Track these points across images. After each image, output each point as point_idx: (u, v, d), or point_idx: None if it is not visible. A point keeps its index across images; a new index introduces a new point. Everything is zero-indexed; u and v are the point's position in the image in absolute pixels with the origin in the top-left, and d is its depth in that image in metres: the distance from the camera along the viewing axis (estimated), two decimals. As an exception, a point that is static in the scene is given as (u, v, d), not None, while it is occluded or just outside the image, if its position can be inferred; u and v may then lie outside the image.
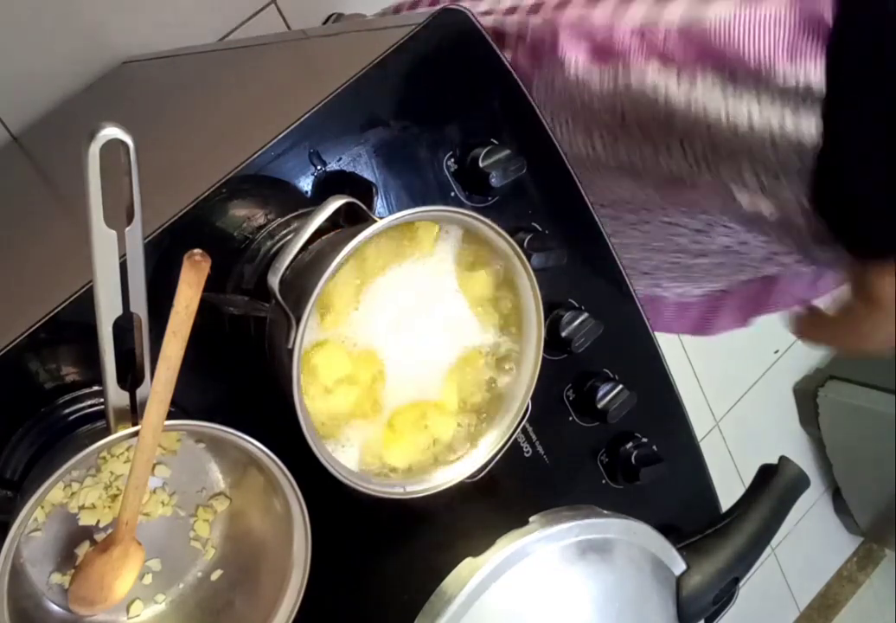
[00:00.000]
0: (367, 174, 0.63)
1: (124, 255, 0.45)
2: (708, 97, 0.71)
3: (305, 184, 0.61)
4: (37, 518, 0.54)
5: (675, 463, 0.80)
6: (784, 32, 0.67)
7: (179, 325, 0.45)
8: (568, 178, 0.72)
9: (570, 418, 0.75)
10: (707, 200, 0.78)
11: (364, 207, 0.55)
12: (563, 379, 0.74)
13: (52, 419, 0.54)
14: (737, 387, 2.21)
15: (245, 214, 0.60)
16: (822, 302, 0.87)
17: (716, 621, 0.77)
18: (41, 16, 1.14)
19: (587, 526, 0.61)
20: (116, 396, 0.48)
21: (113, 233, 0.43)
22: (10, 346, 0.52)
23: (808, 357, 2.31)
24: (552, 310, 0.71)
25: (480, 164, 0.64)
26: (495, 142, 0.66)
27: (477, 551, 0.59)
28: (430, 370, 0.61)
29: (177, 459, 0.58)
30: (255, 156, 0.58)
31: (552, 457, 0.74)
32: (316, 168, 0.61)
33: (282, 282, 0.52)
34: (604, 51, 0.77)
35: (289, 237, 0.58)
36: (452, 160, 0.66)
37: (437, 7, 0.64)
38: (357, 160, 0.62)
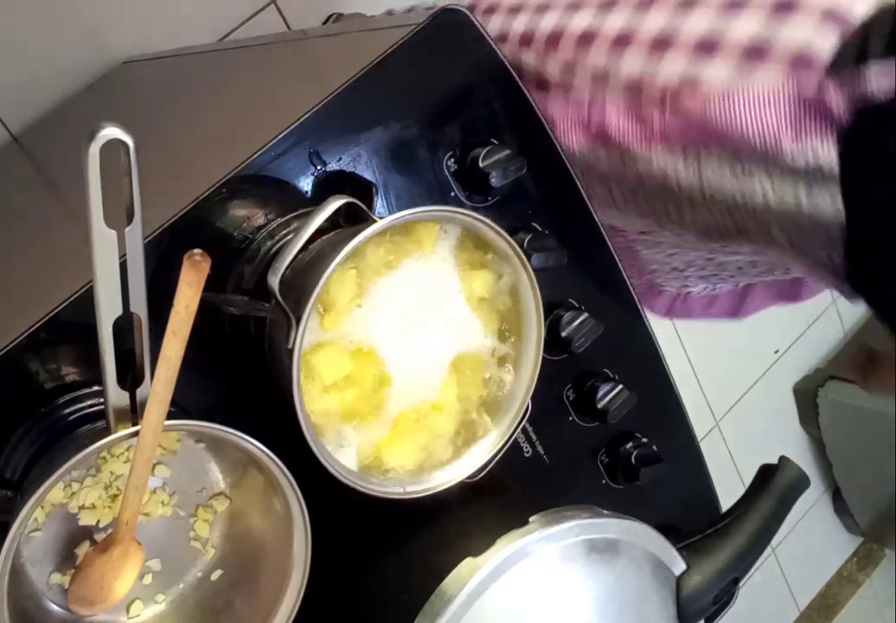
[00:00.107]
0: (367, 174, 0.63)
1: (124, 255, 0.45)
2: (718, 177, 0.70)
3: (305, 184, 0.61)
4: (37, 518, 0.54)
5: (675, 463, 0.80)
6: (784, 110, 0.65)
7: (179, 325, 0.45)
8: (568, 178, 0.72)
9: (570, 418, 0.75)
10: (740, 246, 0.77)
11: (364, 207, 0.55)
12: (563, 379, 0.74)
13: (52, 419, 0.54)
14: (737, 387, 2.21)
15: (245, 214, 0.60)
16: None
17: (716, 621, 0.77)
18: (41, 16, 1.14)
19: (587, 526, 0.61)
20: (116, 396, 0.48)
21: (113, 233, 0.43)
22: (10, 346, 0.52)
23: (808, 357, 2.32)
24: (552, 310, 0.71)
25: (480, 164, 0.64)
26: (495, 142, 0.66)
27: (477, 551, 0.59)
28: (430, 370, 0.61)
29: (177, 459, 0.58)
30: (255, 156, 0.58)
31: (552, 457, 0.74)
32: (316, 168, 0.61)
33: (282, 282, 0.52)
34: (602, 137, 0.76)
35: (289, 237, 0.58)
36: (452, 160, 0.66)
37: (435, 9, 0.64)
38: (357, 160, 0.62)
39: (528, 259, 0.60)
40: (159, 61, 1.10)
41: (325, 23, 1.37)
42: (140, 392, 0.49)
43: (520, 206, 0.69)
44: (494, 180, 0.64)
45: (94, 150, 0.41)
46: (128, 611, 0.58)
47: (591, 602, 0.62)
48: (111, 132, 0.41)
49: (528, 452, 0.73)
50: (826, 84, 0.64)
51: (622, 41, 0.76)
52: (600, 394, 0.74)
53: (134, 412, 0.49)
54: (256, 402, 0.60)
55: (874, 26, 0.64)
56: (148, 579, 0.58)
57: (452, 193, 0.66)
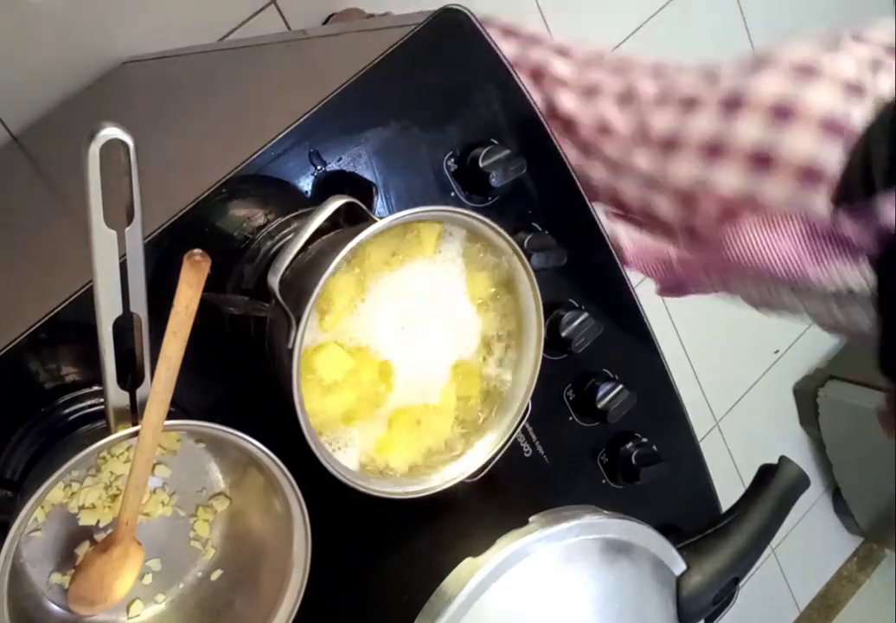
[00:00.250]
0: (367, 174, 0.63)
1: (124, 255, 0.45)
2: (753, 291, 0.73)
3: (305, 184, 0.61)
4: (37, 518, 0.54)
5: (675, 463, 0.80)
6: (801, 241, 0.67)
7: (179, 325, 0.45)
8: (568, 178, 0.72)
9: (570, 418, 0.75)
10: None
11: (364, 207, 0.55)
12: (563, 379, 0.74)
13: (52, 419, 0.54)
14: (737, 387, 2.21)
15: (245, 214, 0.60)
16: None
17: (716, 621, 0.77)
18: (41, 16, 1.14)
19: (587, 526, 0.61)
20: (116, 396, 0.48)
21: (113, 233, 0.43)
22: (10, 346, 0.52)
23: (808, 357, 2.31)
24: (552, 310, 0.71)
25: (480, 164, 0.64)
26: (495, 142, 0.66)
27: (477, 551, 0.59)
28: (430, 370, 0.61)
29: (177, 459, 0.58)
30: (255, 156, 0.58)
31: (552, 457, 0.74)
32: (316, 168, 0.61)
33: (282, 282, 0.52)
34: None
35: (289, 237, 0.58)
36: (452, 160, 0.66)
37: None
38: (357, 160, 0.62)
39: (528, 259, 0.60)
40: (159, 61, 1.10)
41: (325, 23, 1.37)
42: (140, 392, 0.49)
43: (520, 206, 0.69)
44: (494, 180, 0.64)
45: (94, 150, 0.41)
46: (128, 611, 0.58)
47: (591, 602, 0.62)
48: (111, 132, 0.41)
49: (528, 452, 0.73)
50: (838, 216, 0.65)
51: (635, 141, 0.78)
52: (600, 394, 0.74)
53: (134, 412, 0.49)
54: (256, 402, 0.60)
55: (873, 135, 0.65)
56: (148, 579, 0.58)
57: (452, 193, 0.66)
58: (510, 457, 0.66)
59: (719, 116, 0.72)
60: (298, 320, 0.51)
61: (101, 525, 0.56)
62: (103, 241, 0.43)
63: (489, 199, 0.67)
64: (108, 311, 0.46)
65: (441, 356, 0.61)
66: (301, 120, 0.59)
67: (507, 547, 0.58)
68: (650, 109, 0.78)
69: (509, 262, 0.60)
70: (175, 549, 0.59)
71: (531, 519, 0.61)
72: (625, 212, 0.84)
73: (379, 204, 0.63)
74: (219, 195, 0.57)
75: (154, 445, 0.49)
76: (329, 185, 0.61)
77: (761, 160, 0.69)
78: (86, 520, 0.55)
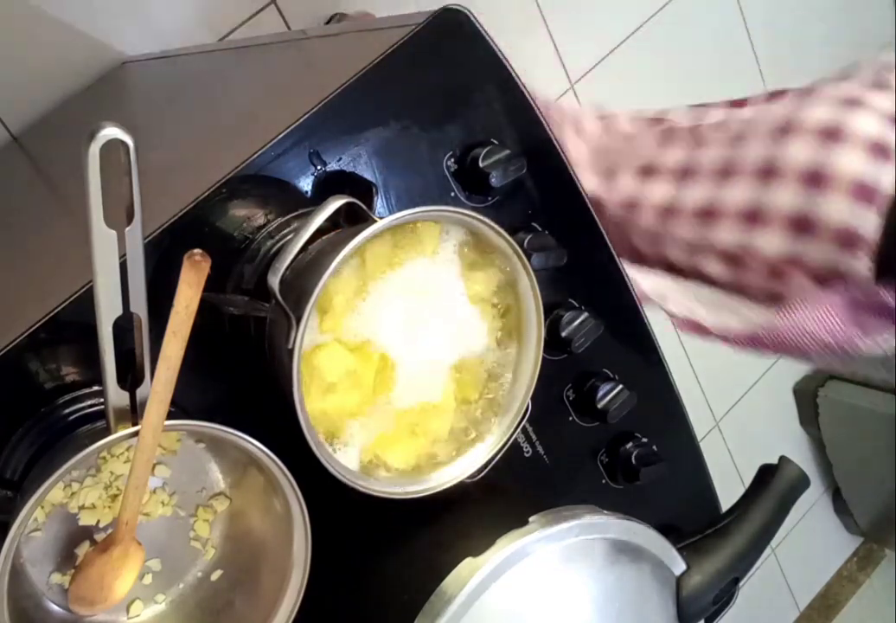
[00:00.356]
0: (367, 174, 0.63)
1: (124, 255, 0.45)
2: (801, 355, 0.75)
3: (305, 184, 0.61)
4: (37, 518, 0.54)
5: (675, 463, 0.80)
6: (848, 317, 0.69)
7: (179, 325, 0.45)
8: (568, 179, 0.72)
9: (570, 418, 0.75)
10: None
11: (364, 207, 0.55)
12: (563, 379, 0.74)
13: (52, 419, 0.54)
14: (737, 387, 2.21)
15: (245, 214, 0.60)
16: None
17: (716, 621, 0.77)
18: (41, 16, 1.14)
19: (587, 526, 0.61)
20: (116, 396, 0.48)
21: (113, 233, 0.43)
22: (10, 346, 0.52)
23: (808, 357, 2.31)
24: (552, 310, 0.71)
25: (480, 164, 0.64)
26: (495, 142, 0.66)
27: (477, 551, 0.59)
28: (431, 370, 0.61)
29: (177, 459, 0.58)
30: (255, 156, 0.58)
31: (552, 457, 0.74)
32: (316, 168, 0.61)
33: (282, 282, 0.52)
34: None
35: (289, 237, 0.58)
36: (452, 160, 0.66)
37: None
38: (357, 160, 0.62)
39: (528, 259, 0.60)
40: (159, 61, 1.10)
41: (327, 23, 1.37)
42: (140, 392, 0.49)
43: (520, 206, 0.69)
44: (494, 180, 0.64)
45: (94, 150, 0.41)
46: (128, 611, 0.58)
47: (591, 602, 0.62)
48: (111, 132, 0.41)
49: (528, 452, 0.73)
50: (881, 291, 0.67)
51: (670, 213, 0.79)
52: (600, 394, 0.74)
53: (134, 412, 0.49)
54: (256, 402, 0.60)
55: None
56: (148, 579, 0.58)
57: (452, 193, 0.66)
58: (510, 457, 0.66)
59: (754, 186, 0.73)
60: (298, 320, 0.51)
61: (101, 525, 0.56)
62: (103, 241, 0.43)
63: (489, 199, 0.67)
64: (108, 311, 0.46)
65: (441, 356, 0.61)
66: (301, 120, 0.59)
67: (507, 547, 0.58)
68: (682, 183, 0.79)
69: (509, 262, 0.60)
70: (175, 549, 0.59)
71: (531, 519, 0.61)
72: (676, 273, 0.85)
73: (379, 204, 0.63)
74: (219, 195, 0.57)
75: (154, 445, 0.49)
76: (329, 185, 0.61)
77: (800, 226, 0.70)
78: (86, 520, 0.55)
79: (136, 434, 0.49)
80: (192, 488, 0.59)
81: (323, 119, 0.60)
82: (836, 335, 0.69)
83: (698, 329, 0.80)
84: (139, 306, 0.47)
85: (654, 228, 0.82)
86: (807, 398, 2.28)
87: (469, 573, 0.58)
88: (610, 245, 0.75)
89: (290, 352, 0.51)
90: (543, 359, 0.63)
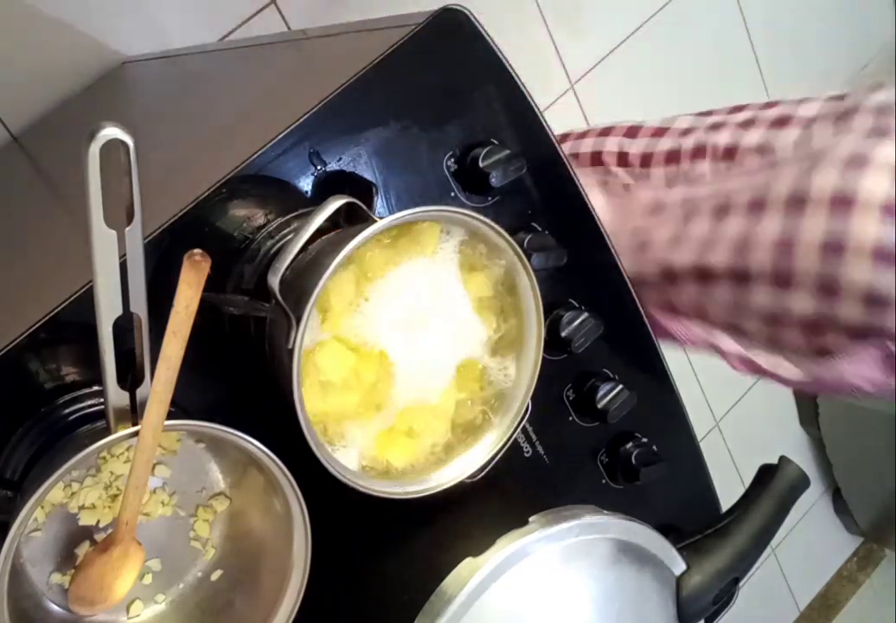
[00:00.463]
0: (367, 174, 0.63)
1: (124, 255, 0.45)
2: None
3: (305, 184, 0.61)
4: (37, 518, 0.54)
5: (675, 463, 0.80)
6: (883, 366, 0.71)
7: (179, 325, 0.45)
8: (568, 178, 0.72)
9: (570, 418, 0.75)
10: None
11: (364, 207, 0.55)
12: (563, 379, 0.74)
13: (52, 419, 0.54)
14: (737, 387, 2.21)
15: (245, 214, 0.60)
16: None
17: (716, 621, 0.77)
18: (41, 16, 1.14)
19: (587, 526, 0.61)
20: (116, 396, 0.48)
21: (113, 233, 0.43)
22: (10, 346, 0.52)
23: (807, 357, 2.31)
24: (552, 310, 0.71)
25: (480, 164, 0.64)
26: (495, 142, 0.66)
27: (477, 551, 0.59)
28: (431, 370, 0.61)
29: (177, 459, 0.58)
30: (255, 156, 0.58)
31: (552, 457, 0.74)
32: (316, 168, 0.61)
33: (282, 282, 0.52)
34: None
35: (289, 237, 0.58)
36: (452, 160, 0.66)
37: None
38: (357, 160, 0.62)
39: (528, 259, 0.60)
40: (159, 61, 1.10)
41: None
42: (140, 392, 0.49)
43: (520, 206, 0.69)
44: (494, 180, 0.64)
45: (94, 150, 0.41)
46: (128, 611, 0.58)
47: (591, 602, 0.62)
48: (111, 132, 0.41)
49: (528, 452, 0.73)
50: None
51: (704, 275, 0.81)
52: (600, 394, 0.74)
53: (134, 412, 0.49)
54: (256, 402, 0.60)
55: None
56: (148, 579, 0.58)
57: (452, 193, 0.66)
58: (510, 457, 0.66)
59: (774, 256, 0.74)
60: (298, 320, 0.51)
61: (101, 525, 0.56)
62: (103, 241, 0.43)
63: (489, 199, 0.67)
64: (108, 311, 0.46)
65: (442, 356, 0.61)
66: (301, 120, 0.59)
67: (507, 547, 0.59)
68: (705, 254, 0.82)
69: (509, 262, 0.60)
70: (175, 549, 0.59)
71: (531, 519, 0.61)
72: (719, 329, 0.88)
73: (379, 204, 0.63)
74: (219, 195, 0.57)
75: (154, 445, 0.49)
76: (329, 185, 0.61)
77: (827, 290, 0.71)
78: (86, 520, 0.55)
79: (136, 434, 0.49)
80: (192, 488, 0.59)
81: (323, 119, 0.60)
82: (877, 384, 0.72)
83: (753, 367, 0.82)
84: (139, 306, 0.47)
85: (695, 296, 0.84)
86: (807, 398, 2.28)
87: (469, 573, 0.58)
88: (610, 245, 0.75)
89: (290, 352, 0.51)
90: (543, 359, 0.63)
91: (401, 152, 0.64)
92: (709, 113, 0.94)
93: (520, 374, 0.63)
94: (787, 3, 1.99)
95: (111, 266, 0.44)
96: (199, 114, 0.81)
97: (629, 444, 0.78)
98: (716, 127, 0.89)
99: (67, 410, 0.55)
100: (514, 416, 0.63)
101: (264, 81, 0.79)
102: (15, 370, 0.54)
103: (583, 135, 1.05)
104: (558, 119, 1.63)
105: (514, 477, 0.71)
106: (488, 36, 0.65)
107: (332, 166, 0.62)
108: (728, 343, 0.83)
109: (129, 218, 0.44)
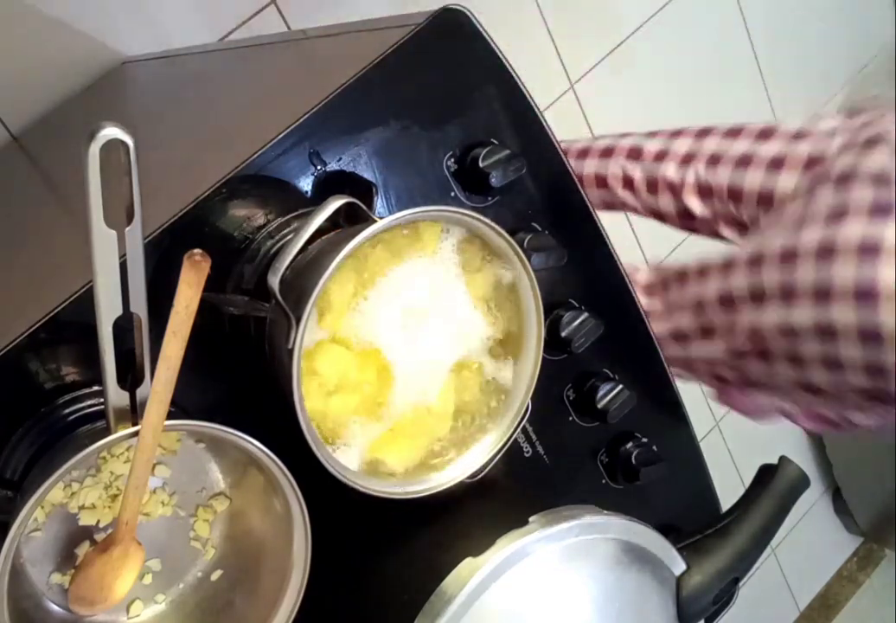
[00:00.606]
0: (367, 174, 0.63)
1: (124, 255, 0.45)
2: None
3: (305, 184, 0.61)
4: (37, 518, 0.54)
5: (675, 463, 0.80)
6: None
7: (179, 325, 0.45)
8: (568, 178, 0.72)
9: (570, 418, 0.75)
10: None
11: (364, 207, 0.55)
12: (563, 379, 0.74)
13: (52, 419, 0.54)
14: (737, 387, 2.20)
15: (245, 214, 0.60)
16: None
17: (716, 621, 0.77)
18: (41, 16, 1.14)
19: (587, 526, 0.61)
20: (116, 396, 0.48)
21: (113, 233, 0.43)
22: (10, 346, 0.52)
23: (808, 357, 2.31)
24: (552, 310, 0.71)
25: (480, 164, 0.64)
26: (495, 142, 0.66)
27: (477, 551, 0.59)
28: (431, 370, 0.61)
29: (177, 459, 0.58)
30: (255, 156, 0.58)
31: (552, 457, 0.74)
32: (316, 168, 0.61)
33: (282, 282, 0.52)
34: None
35: (289, 237, 0.58)
36: (452, 160, 0.66)
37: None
38: (357, 160, 0.62)
39: (528, 259, 0.60)
40: (159, 61, 1.10)
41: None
42: (140, 392, 0.49)
43: (520, 206, 0.69)
44: (494, 180, 0.64)
45: (94, 150, 0.41)
46: (128, 611, 0.58)
47: (591, 602, 0.62)
48: (111, 132, 0.41)
49: (528, 452, 0.73)
50: None
51: (727, 299, 0.84)
52: (600, 394, 0.74)
53: (134, 412, 0.49)
54: (256, 402, 0.60)
55: None
56: (148, 579, 0.58)
57: (452, 193, 0.66)
58: (510, 457, 0.66)
59: (814, 307, 0.76)
60: (298, 320, 0.51)
61: (101, 525, 0.56)
62: (103, 241, 0.43)
63: (489, 199, 0.67)
64: (108, 311, 0.46)
65: (441, 356, 0.61)
66: (301, 120, 0.59)
67: (507, 547, 0.58)
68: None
69: (509, 262, 0.60)
70: (175, 549, 0.59)
71: (531, 519, 0.61)
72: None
73: (379, 204, 0.63)
74: (219, 195, 0.57)
75: (154, 445, 0.49)
76: (329, 185, 0.61)
77: (868, 337, 0.73)
78: (86, 520, 0.55)
79: (136, 434, 0.49)
80: (192, 488, 0.59)
81: (323, 119, 0.60)
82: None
83: (824, 421, 0.85)
84: (139, 306, 0.47)
85: (760, 375, 0.87)
86: (807, 398, 2.28)
87: (469, 573, 0.58)
88: (610, 245, 0.75)
89: (290, 352, 0.51)
90: (543, 359, 0.63)
91: (401, 152, 0.64)
92: (706, 132, 0.95)
93: (520, 374, 0.63)
94: (787, 3, 1.99)
95: (111, 266, 0.44)
96: (199, 114, 0.81)
97: (629, 444, 0.78)
98: (714, 161, 0.92)
99: (67, 410, 0.55)
100: (514, 416, 0.63)
101: (264, 81, 0.79)
102: (15, 370, 0.54)
103: (584, 153, 1.05)
104: (558, 119, 1.64)
105: (514, 477, 0.71)
106: (488, 36, 0.66)
107: (332, 166, 0.62)
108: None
109: (129, 218, 0.44)
